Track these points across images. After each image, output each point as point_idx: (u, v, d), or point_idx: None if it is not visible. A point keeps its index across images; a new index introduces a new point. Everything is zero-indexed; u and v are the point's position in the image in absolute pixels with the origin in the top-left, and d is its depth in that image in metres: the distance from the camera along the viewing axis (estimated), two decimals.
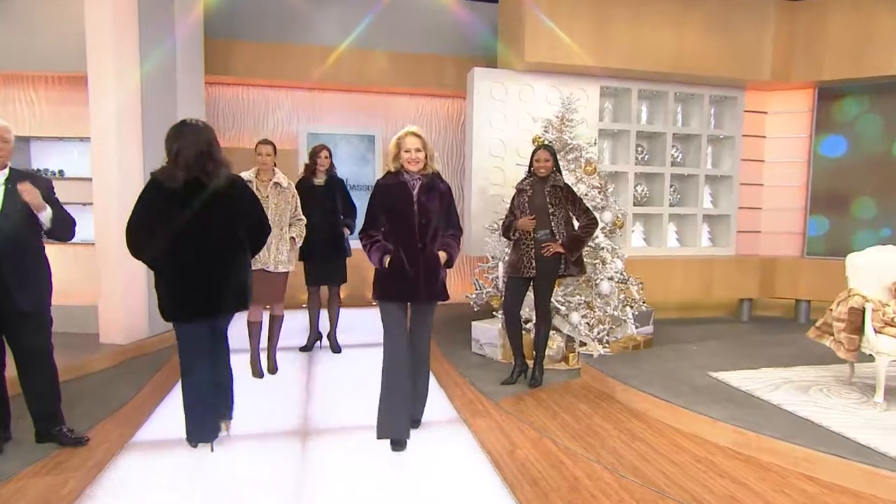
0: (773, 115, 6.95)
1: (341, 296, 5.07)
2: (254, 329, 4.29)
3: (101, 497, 2.62)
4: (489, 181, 6.12)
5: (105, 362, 4.56)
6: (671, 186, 6.79)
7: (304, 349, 5.07)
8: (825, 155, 6.68)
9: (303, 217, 4.39)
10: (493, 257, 5.26)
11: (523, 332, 4.44)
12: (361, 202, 3.83)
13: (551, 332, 4.63)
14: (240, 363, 4.25)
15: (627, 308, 4.95)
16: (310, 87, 7.00)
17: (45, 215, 2.93)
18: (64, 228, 3.05)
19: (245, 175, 4.06)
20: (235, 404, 3.25)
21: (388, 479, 2.85)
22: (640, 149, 6.71)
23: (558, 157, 4.57)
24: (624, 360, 4.59)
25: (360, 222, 3.42)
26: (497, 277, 5.10)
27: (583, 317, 4.80)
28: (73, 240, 3.21)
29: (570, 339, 4.89)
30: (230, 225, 2.96)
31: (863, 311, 3.54)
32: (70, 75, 5.22)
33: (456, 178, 7.50)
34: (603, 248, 4.90)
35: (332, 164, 4.88)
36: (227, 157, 3.01)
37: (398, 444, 3.11)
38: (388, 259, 3.05)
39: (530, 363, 4.33)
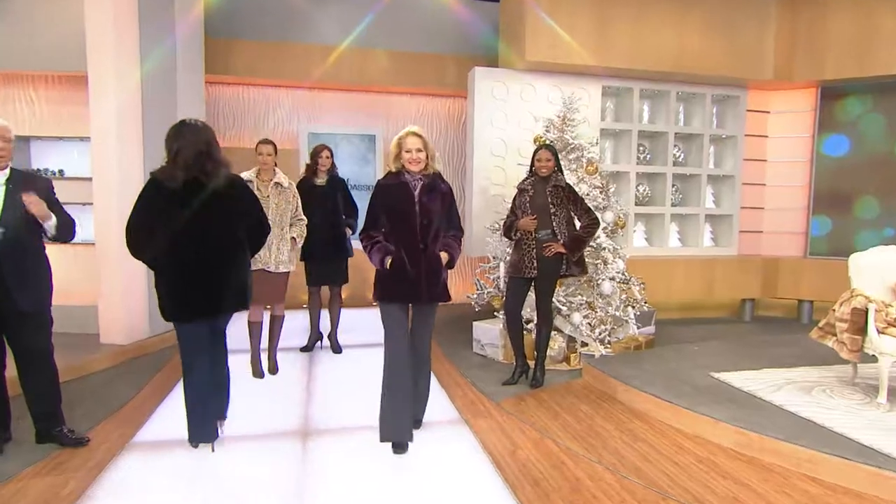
0: (776, 115, 6.92)
1: (342, 296, 5.07)
2: (254, 329, 4.29)
3: (102, 498, 2.62)
4: (490, 181, 6.11)
5: (105, 362, 4.56)
6: (673, 186, 6.77)
7: (304, 349, 5.06)
8: (828, 154, 6.66)
9: (304, 217, 4.38)
10: (494, 257, 5.25)
11: (525, 332, 4.44)
12: (362, 202, 3.82)
13: (553, 333, 4.62)
14: (240, 363, 4.26)
15: (629, 308, 4.93)
16: (310, 86, 6.99)
17: (51, 224, 2.94)
18: (65, 232, 3.06)
19: (246, 175, 4.07)
20: (232, 404, 3.24)
21: (388, 479, 2.84)
22: (641, 148, 6.69)
23: (560, 156, 4.55)
24: (625, 361, 4.57)
25: (361, 222, 3.41)
26: (498, 278, 5.09)
27: (584, 317, 4.79)
28: (74, 240, 3.21)
29: (571, 340, 4.88)
30: (230, 225, 2.96)
31: (866, 311, 3.53)
32: (70, 75, 5.22)
33: (457, 177, 7.48)
34: (604, 248, 4.89)
35: (333, 164, 4.88)
36: (227, 157, 3.01)
37: (400, 448, 3.10)
38: (390, 260, 3.03)
39: (532, 363, 4.32)
